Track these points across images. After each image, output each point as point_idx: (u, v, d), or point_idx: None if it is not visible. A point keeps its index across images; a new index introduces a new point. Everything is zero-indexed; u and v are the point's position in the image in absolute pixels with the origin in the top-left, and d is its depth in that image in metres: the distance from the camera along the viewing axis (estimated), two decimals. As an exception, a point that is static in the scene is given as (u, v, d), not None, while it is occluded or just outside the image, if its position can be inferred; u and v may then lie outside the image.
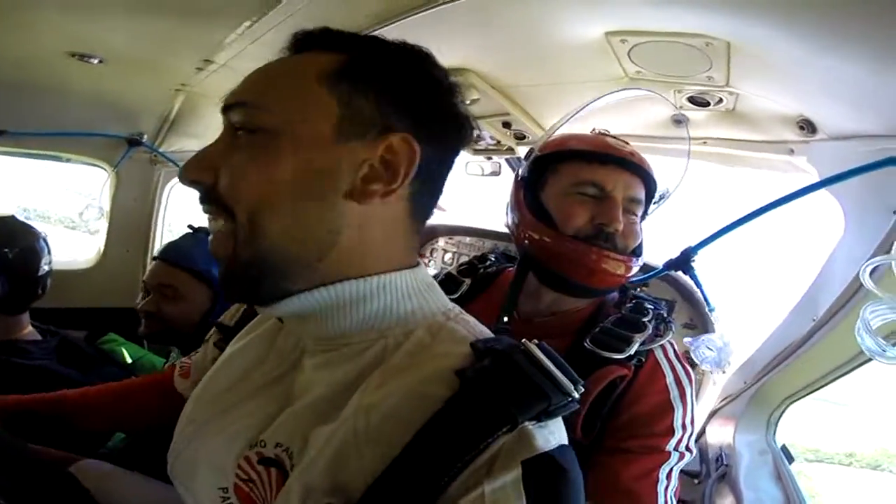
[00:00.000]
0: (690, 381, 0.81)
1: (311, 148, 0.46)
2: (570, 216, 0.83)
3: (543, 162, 0.91)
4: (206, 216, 0.50)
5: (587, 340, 0.79)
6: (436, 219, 2.09)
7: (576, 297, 0.87)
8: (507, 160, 1.82)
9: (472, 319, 0.55)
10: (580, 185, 0.84)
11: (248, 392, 0.53)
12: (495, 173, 1.85)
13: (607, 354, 0.76)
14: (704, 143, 1.38)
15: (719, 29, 0.85)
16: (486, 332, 0.53)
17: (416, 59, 0.52)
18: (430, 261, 2.33)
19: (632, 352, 0.76)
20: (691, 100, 1.17)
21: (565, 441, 0.46)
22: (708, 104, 1.15)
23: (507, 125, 1.47)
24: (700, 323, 1.89)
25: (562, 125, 1.12)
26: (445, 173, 0.55)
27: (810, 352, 1.16)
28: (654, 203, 0.96)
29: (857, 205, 0.97)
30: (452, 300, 0.93)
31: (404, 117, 0.48)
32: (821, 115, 0.96)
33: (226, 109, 0.48)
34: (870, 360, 0.79)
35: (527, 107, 1.37)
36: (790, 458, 1.29)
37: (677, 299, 1.91)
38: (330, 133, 0.46)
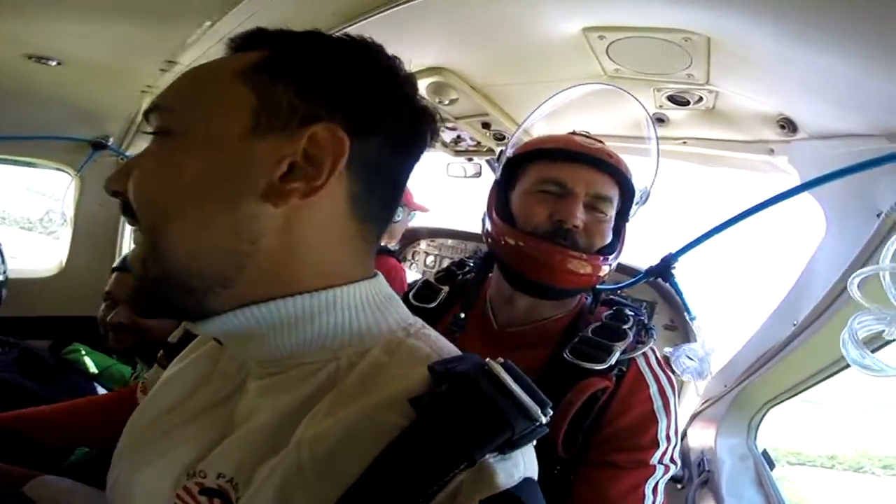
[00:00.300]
0: (674, 389, 0.78)
1: (220, 146, 0.41)
2: (529, 214, 0.80)
3: (515, 164, 0.88)
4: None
5: (566, 351, 0.75)
6: (417, 221, 2.03)
7: (545, 300, 0.83)
8: (487, 161, 1.76)
9: (434, 334, 0.49)
10: (543, 184, 0.81)
11: (189, 416, 0.48)
12: (477, 175, 1.79)
13: (587, 365, 0.72)
14: (684, 142, 1.34)
15: (699, 24, 0.80)
16: (449, 349, 0.47)
17: (356, 50, 0.46)
18: (411, 264, 2.28)
19: (612, 361, 0.73)
20: (671, 98, 1.12)
21: (532, 472, 0.41)
22: (688, 103, 1.11)
23: (486, 126, 1.41)
24: (681, 324, 1.86)
25: (526, 123, 1.08)
26: (398, 170, 0.48)
27: (791, 356, 1.12)
28: (636, 204, 0.90)
29: (839, 207, 0.93)
30: (431, 309, 0.88)
31: (335, 108, 0.42)
32: (802, 114, 0.92)
33: (146, 115, 0.44)
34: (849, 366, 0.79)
35: (505, 107, 1.32)
36: (771, 464, 1.25)
37: (658, 300, 1.88)
38: (243, 129, 0.41)
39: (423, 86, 1.23)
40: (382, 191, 0.47)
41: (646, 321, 0.86)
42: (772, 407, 1.31)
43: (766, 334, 1.21)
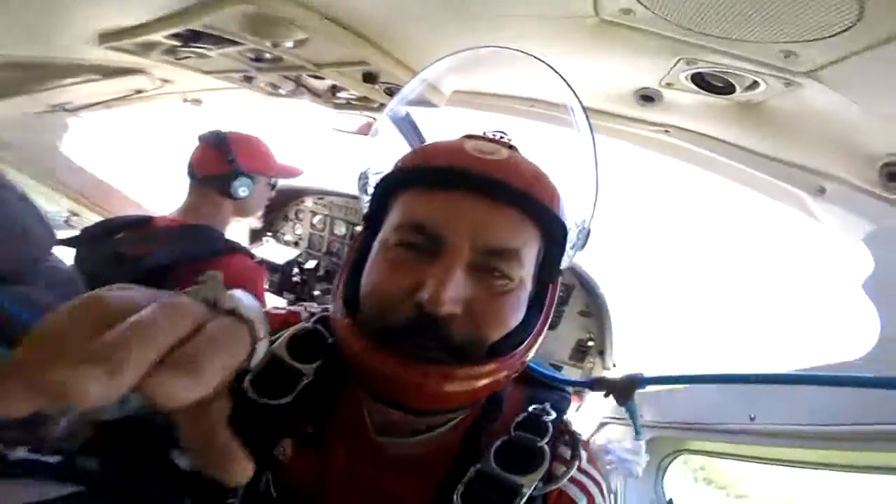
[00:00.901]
0: (609, 491, 0.46)
1: None
2: (377, 291, 0.39)
3: (384, 192, 0.43)
4: None
5: (458, 496, 0.41)
6: (300, 180, 1.29)
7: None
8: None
9: None
10: (402, 231, 0.39)
11: None
12: (367, 132, 1.09)
13: None
14: (666, 132, 0.80)
15: None
16: None
17: None
18: (295, 224, 1.59)
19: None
20: (698, 78, 0.54)
21: None
22: (730, 89, 0.53)
23: (371, 77, 0.71)
24: (595, 310, 1.50)
25: (427, 75, 0.52)
26: None
27: (740, 444, 0.78)
28: (572, 248, 0.45)
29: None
30: (284, 406, 0.43)
31: None
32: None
33: None
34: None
35: (399, 52, 0.62)
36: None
37: (575, 284, 1.48)
38: None
39: (231, 18, 0.50)
40: None
41: (569, 424, 0.46)
42: (687, 455, 1.03)
43: (716, 405, 0.85)
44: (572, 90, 0.47)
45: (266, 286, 1.38)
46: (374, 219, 0.42)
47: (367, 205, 0.44)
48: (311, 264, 1.49)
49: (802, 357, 0.69)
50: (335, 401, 0.47)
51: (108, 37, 0.67)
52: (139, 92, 1.07)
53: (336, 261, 1.52)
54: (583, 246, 0.47)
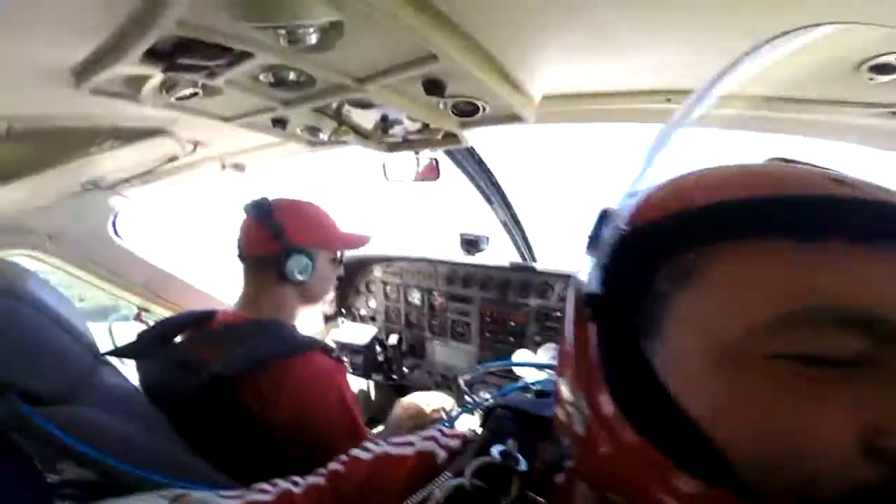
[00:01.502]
0: None
1: None
2: (776, 440, 0.17)
3: (661, 243, 0.20)
4: None
5: None
6: (362, 249, 1.09)
7: None
8: (449, 154, 0.86)
9: None
10: (804, 331, 0.17)
11: None
12: (432, 176, 0.89)
13: None
14: (894, 113, 0.48)
15: None
16: None
17: None
18: (367, 297, 1.41)
19: None
20: None
21: None
22: None
23: (435, 87, 0.49)
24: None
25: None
26: None
27: None
28: None
29: None
30: None
31: None
32: None
33: None
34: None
35: (490, 40, 0.39)
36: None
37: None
38: None
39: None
40: None
41: None
42: None
43: None
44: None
45: (350, 371, 1.19)
46: (613, 296, 0.22)
47: (613, 272, 0.22)
48: (393, 339, 1.30)
49: None
50: None
51: (81, 73, 0.52)
52: (172, 159, 0.92)
53: (418, 333, 1.30)
54: None
